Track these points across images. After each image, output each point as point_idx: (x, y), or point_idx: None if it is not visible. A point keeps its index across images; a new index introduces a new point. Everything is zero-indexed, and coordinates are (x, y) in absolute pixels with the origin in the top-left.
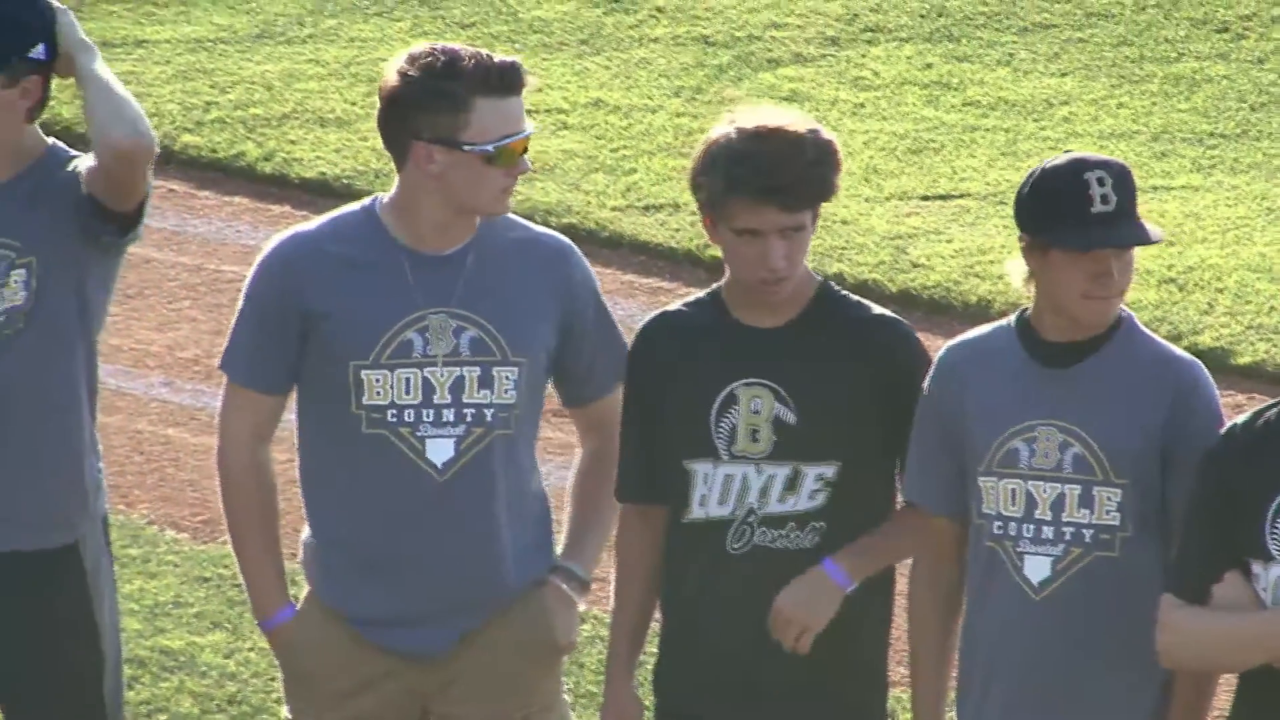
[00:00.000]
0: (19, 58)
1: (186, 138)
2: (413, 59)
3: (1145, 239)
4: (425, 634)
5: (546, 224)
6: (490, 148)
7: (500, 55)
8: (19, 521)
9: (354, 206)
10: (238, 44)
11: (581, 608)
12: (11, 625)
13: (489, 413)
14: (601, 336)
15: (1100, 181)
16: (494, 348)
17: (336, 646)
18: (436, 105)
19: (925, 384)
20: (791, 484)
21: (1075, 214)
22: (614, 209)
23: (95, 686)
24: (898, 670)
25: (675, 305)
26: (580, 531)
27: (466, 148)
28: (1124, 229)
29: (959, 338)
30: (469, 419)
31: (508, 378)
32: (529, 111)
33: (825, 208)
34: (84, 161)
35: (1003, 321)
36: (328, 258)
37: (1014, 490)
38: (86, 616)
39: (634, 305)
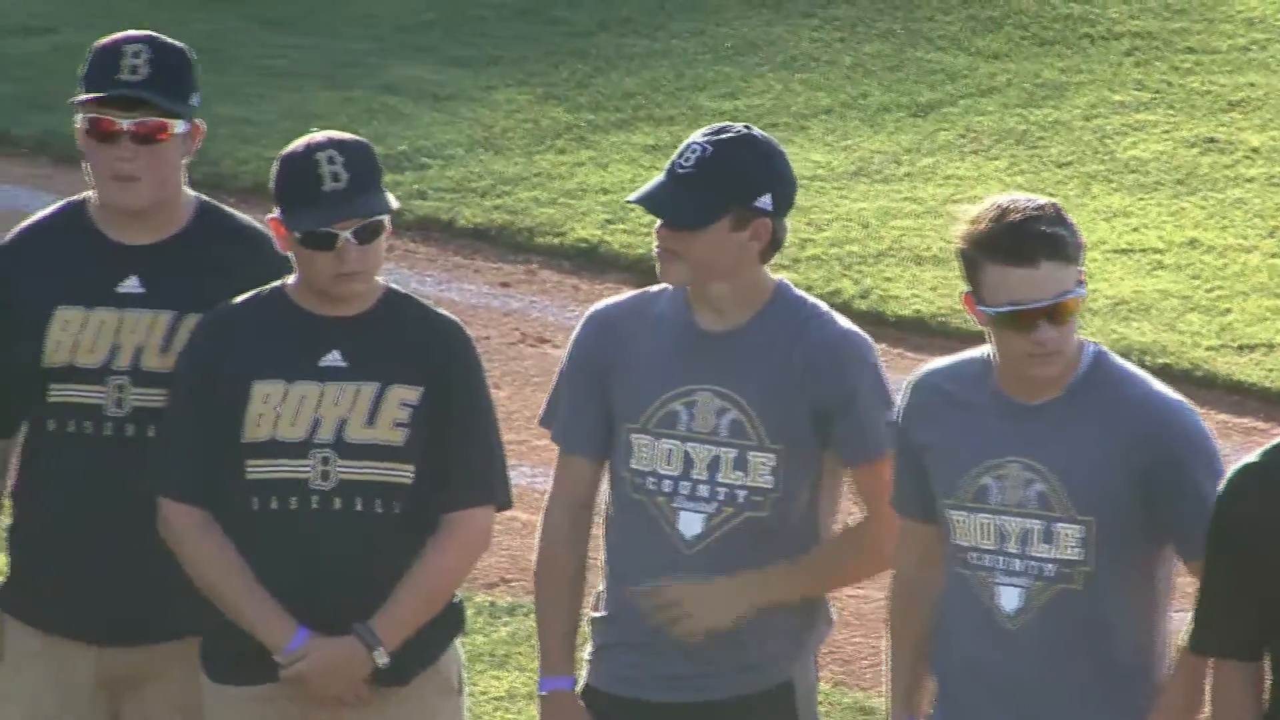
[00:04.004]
0: (743, 206)
1: (783, 274)
2: (976, 208)
3: None
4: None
5: (1141, 363)
6: (993, 311)
7: (1044, 222)
8: (741, 666)
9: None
10: (834, 181)
11: None
12: None
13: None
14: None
15: None
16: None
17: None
18: (963, 257)
19: None
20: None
21: None
22: (1208, 349)
23: None
24: None
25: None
26: None
27: (980, 306)
28: None
29: None
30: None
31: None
32: (1122, 250)
33: None
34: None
35: None
36: (942, 395)
37: None
38: None
39: (1227, 445)
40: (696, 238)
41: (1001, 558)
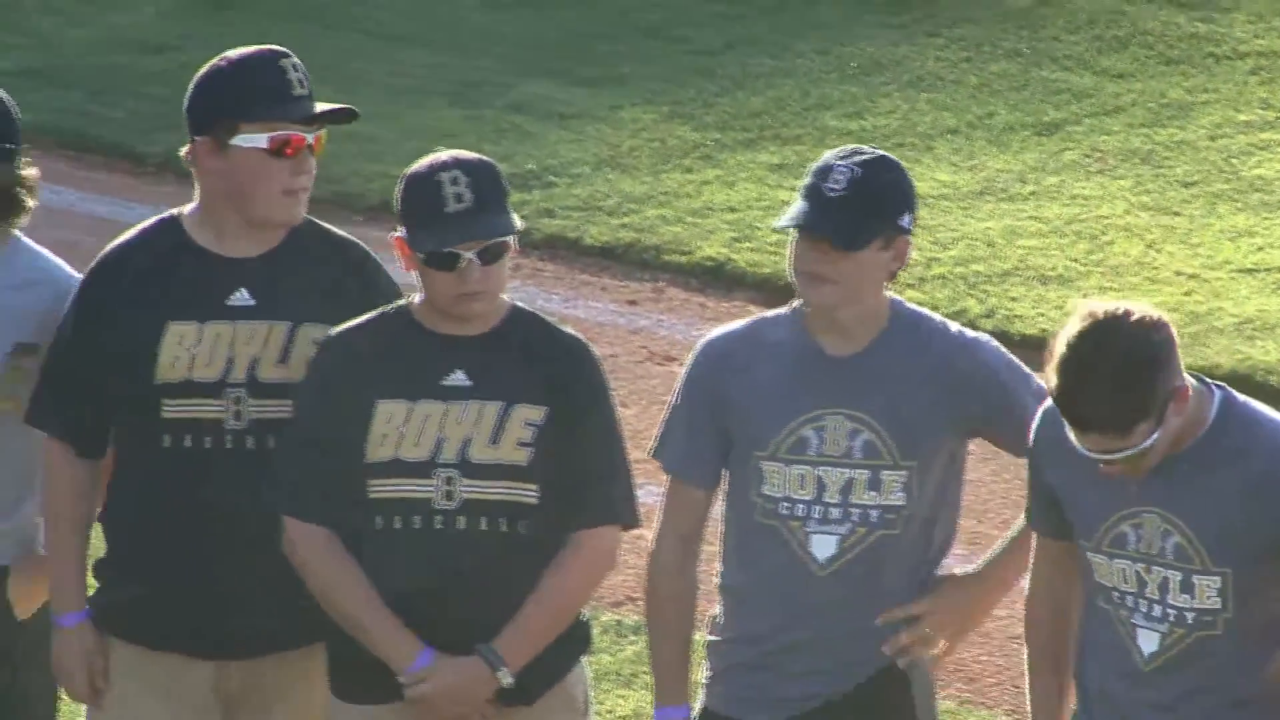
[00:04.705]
0: (890, 226)
1: (910, 293)
2: (1071, 333)
3: None
4: None
5: (1265, 383)
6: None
7: (1114, 389)
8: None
9: None
10: (960, 200)
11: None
12: None
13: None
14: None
15: None
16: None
17: None
18: None
19: None
20: None
21: None
22: None
23: None
24: None
25: None
26: None
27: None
28: None
29: None
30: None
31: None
32: (1247, 270)
33: None
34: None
35: None
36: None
37: None
38: None
39: None
40: (849, 259)
41: (1142, 601)
